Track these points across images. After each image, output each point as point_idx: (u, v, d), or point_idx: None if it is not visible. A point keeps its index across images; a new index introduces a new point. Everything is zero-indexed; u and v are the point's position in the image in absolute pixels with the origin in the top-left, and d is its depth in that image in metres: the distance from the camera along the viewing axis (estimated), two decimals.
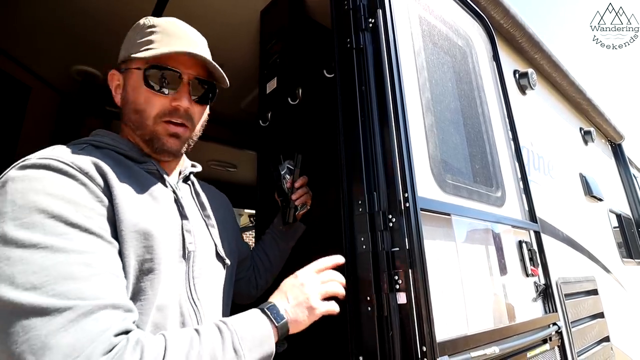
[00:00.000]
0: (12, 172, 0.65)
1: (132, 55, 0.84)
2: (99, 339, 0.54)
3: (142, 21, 0.89)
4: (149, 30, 0.86)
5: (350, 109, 1.11)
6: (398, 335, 0.88)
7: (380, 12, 1.11)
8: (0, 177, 0.66)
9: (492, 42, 1.72)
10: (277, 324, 0.75)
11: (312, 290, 0.84)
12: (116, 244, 0.68)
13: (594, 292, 2.07)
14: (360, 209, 1.01)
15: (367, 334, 0.92)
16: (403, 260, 0.91)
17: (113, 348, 0.55)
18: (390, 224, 0.96)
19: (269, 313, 0.76)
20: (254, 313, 0.76)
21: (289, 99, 1.62)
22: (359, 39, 1.13)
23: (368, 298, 0.94)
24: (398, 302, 0.90)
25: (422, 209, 0.97)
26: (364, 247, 0.98)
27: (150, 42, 0.84)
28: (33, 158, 0.67)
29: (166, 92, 0.84)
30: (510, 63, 2.03)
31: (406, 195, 0.95)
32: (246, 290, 1.20)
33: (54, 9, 2.08)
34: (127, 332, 0.58)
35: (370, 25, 1.13)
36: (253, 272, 1.23)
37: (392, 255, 0.94)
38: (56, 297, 0.54)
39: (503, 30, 1.97)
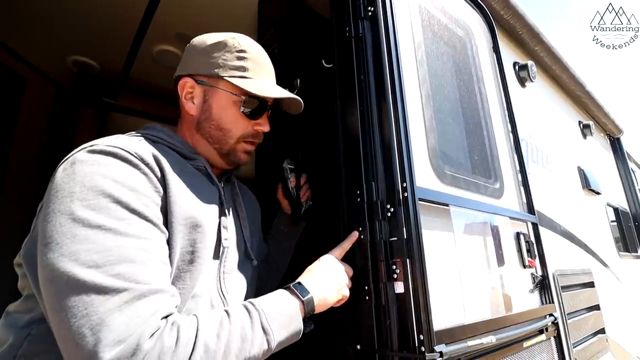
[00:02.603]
0: (81, 155, 0.69)
1: (225, 78, 0.90)
2: (149, 321, 0.57)
3: (229, 41, 0.93)
4: (239, 54, 0.92)
5: (349, 98, 1.10)
6: (395, 324, 0.88)
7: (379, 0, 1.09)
8: (67, 157, 0.70)
9: (492, 33, 1.71)
10: (303, 299, 0.79)
11: (337, 272, 0.89)
12: (167, 233, 0.73)
13: (591, 284, 2.08)
14: (359, 199, 1.01)
15: (364, 323, 0.92)
16: (401, 250, 0.91)
17: (157, 330, 0.58)
18: (389, 214, 0.96)
19: (295, 290, 0.80)
20: (281, 292, 0.80)
21: (287, 90, 1.61)
22: (358, 27, 1.12)
23: (366, 287, 0.94)
24: (396, 292, 0.90)
25: (420, 199, 0.96)
26: (362, 237, 0.98)
27: (244, 69, 0.91)
28: (101, 144, 0.71)
29: (253, 117, 0.95)
30: (510, 55, 2.02)
31: (404, 185, 0.95)
32: (259, 289, 1.19)
33: None
34: (169, 315, 0.62)
35: (370, 13, 1.11)
36: (266, 272, 1.24)
37: (390, 245, 0.94)
38: (115, 278, 0.57)
39: (503, 21, 1.96)
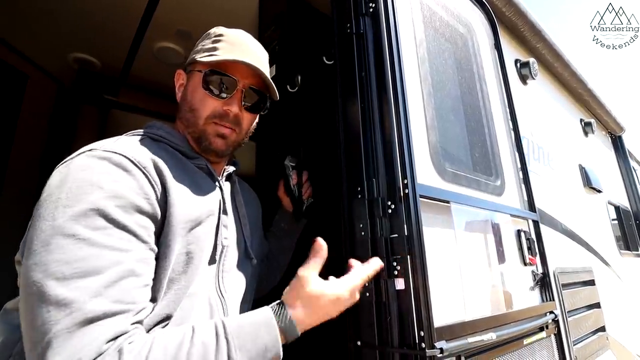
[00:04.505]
0: (78, 159, 0.69)
1: (197, 59, 0.91)
2: (92, 344, 0.55)
3: (213, 30, 0.96)
4: (216, 38, 0.93)
5: (350, 95, 1.10)
6: (396, 321, 0.88)
7: None
8: (66, 160, 0.71)
9: (494, 30, 1.71)
10: (287, 336, 0.70)
11: (343, 306, 0.79)
12: (150, 243, 0.70)
13: (591, 282, 2.08)
14: (360, 196, 1.01)
15: (365, 319, 0.93)
16: (402, 246, 0.91)
17: (99, 355, 0.56)
18: (389, 211, 0.96)
19: (282, 325, 0.70)
20: (265, 318, 0.70)
21: (288, 87, 1.61)
22: (359, 24, 1.11)
23: (366, 284, 0.93)
24: (396, 288, 0.90)
25: (421, 196, 0.96)
26: (363, 233, 0.98)
27: (215, 49, 0.91)
28: (99, 148, 0.71)
29: (220, 96, 0.90)
30: (511, 52, 2.01)
31: (405, 182, 0.95)
32: (259, 285, 1.17)
33: None
34: (121, 335, 0.59)
35: (371, 9, 1.11)
36: (267, 269, 1.24)
37: (391, 242, 0.94)
38: (77, 292, 0.57)
39: (505, 19, 1.95)
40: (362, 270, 0.84)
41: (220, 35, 0.93)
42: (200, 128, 0.90)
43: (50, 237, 0.59)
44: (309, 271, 0.76)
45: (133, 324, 0.62)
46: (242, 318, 0.70)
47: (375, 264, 0.88)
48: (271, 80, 0.94)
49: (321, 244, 0.79)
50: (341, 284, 0.79)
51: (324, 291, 0.75)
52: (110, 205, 0.64)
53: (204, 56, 0.90)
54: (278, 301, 0.74)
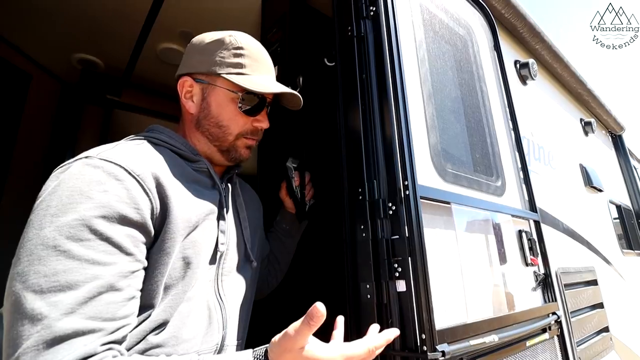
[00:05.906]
0: (74, 166, 0.69)
1: (223, 76, 0.90)
2: None
3: (227, 38, 0.93)
4: (236, 51, 0.92)
5: (351, 97, 1.10)
6: (397, 323, 0.88)
7: None
8: (63, 165, 0.71)
9: (493, 31, 1.71)
10: None
11: None
12: (137, 254, 0.69)
13: (594, 282, 2.08)
14: (360, 197, 1.01)
15: (366, 322, 0.93)
16: (403, 248, 0.91)
17: None
18: (390, 212, 0.96)
19: None
20: None
21: (290, 88, 1.61)
22: (360, 26, 1.12)
23: (367, 286, 0.94)
24: (397, 290, 0.90)
25: (422, 197, 0.97)
26: (364, 235, 0.98)
27: (241, 66, 0.91)
28: (95, 156, 0.71)
29: (251, 113, 0.93)
30: (511, 53, 2.01)
31: (406, 183, 0.95)
32: (260, 287, 1.18)
33: None
34: (90, 357, 0.58)
35: (372, 13, 1.12)
36: (267, 270, 1.25)
37: (392, 243, 0.94)
38: (51, 307, 0.56)
39: (504, 20, 1.95)
40: (370, 340, 0.73)
41: (240, 47, 0.92)
42: (231, 143, 0.94)
43: (34, 247, 0.60)
44: (303, 330, 0.61)
45: (106, 344, 0.61)
46: (220, 358, 0.69)
47: (389, 334, 0.77)
48: (300, 96, 0.99)
49: (321, 312, 0.60)
50: (338, 350, 0.67)
51: (318, 355, 0.64)
52: (96, 216, 0.64)
53: (232, 74, 0.90)
54: (263, 349, 0.66)
